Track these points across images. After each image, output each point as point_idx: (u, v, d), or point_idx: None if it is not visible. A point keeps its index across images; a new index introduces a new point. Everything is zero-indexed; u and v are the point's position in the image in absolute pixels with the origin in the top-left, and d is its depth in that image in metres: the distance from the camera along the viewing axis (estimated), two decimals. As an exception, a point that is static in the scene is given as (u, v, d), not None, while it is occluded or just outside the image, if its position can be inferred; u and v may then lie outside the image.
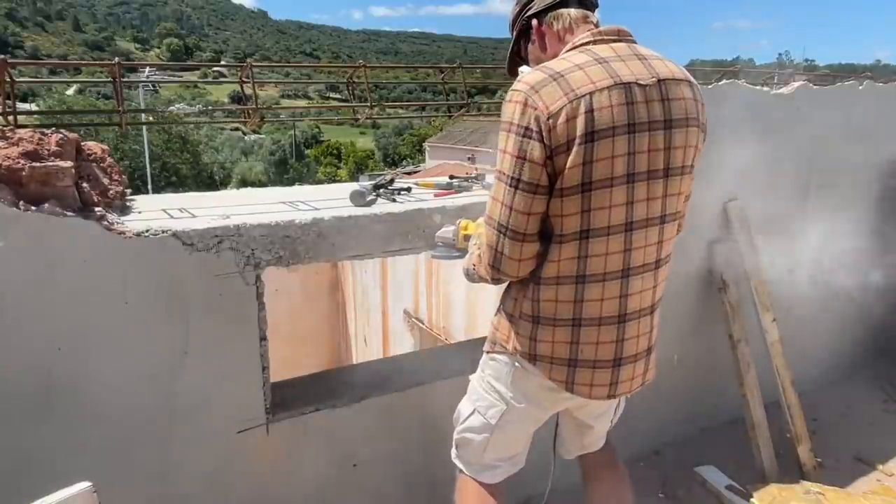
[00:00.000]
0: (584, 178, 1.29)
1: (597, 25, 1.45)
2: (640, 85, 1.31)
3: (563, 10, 1.45)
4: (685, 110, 1.36)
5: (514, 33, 1.57)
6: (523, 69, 1.51)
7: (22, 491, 1.22)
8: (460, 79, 2.52)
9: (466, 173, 2.55)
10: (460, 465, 1.71)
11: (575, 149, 1.26)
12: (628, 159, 1.30)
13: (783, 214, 3.00)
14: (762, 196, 2.83)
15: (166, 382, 1.70)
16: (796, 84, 2.93)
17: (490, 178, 2.43)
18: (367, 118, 2.36)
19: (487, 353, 1.61)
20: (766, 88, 2.96)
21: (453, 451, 1.73)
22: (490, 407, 1.60)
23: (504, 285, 1.54)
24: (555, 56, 1.41)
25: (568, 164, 1.27)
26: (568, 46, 1.41)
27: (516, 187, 1.32)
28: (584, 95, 1.26)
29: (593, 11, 1.48)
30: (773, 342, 2.78)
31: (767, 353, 2.76)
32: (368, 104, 2.26)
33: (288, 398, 1.97)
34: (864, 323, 3.56)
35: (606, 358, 1.42)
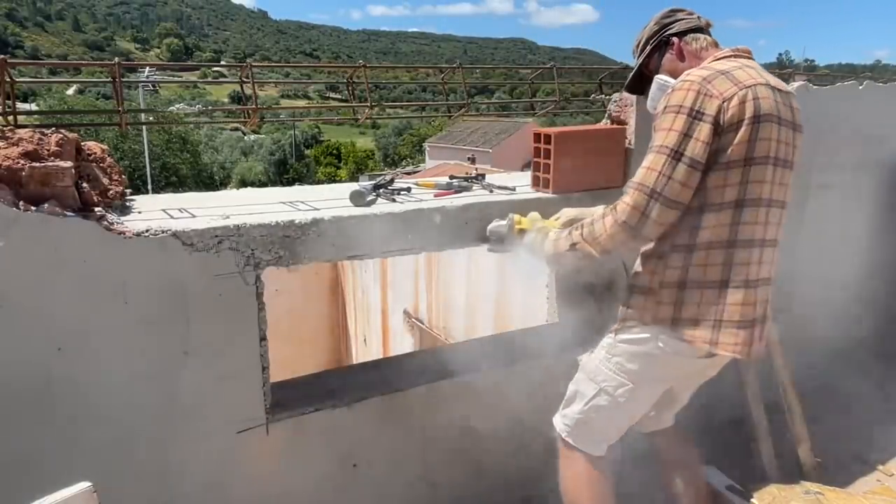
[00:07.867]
0: (748, 154, 1.53)
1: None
2: (778, 89, 1.61)
3: (700, 35, 1.78)
4: (799, 119, 1.67)
5: (648, 49, 1.82)
6: (661, 77, 1.78)
7: (22, 491, 1.22)
8: (460, 79, 2.52)
9: (466, 173, 2.54)
10: (571, 441, 1.80)
11: (744, 127, 1.51)
12: (776, 145, 1.57)
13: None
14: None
15: (166, 382, 1.70)
16: (796, 84, 2.93)
17: (490, 179, 2.44)
18: (367, 118, 2.36)
19: (617, 331, 1.72)
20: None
21: (563, 428, 1.82)
22: (619, 386, 1.72)
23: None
24: (692, 68, 1.66)
25: (735, 141, 1.52)
26: (710, 59, 1.69)
27: (679, 160, 1.52)
28: (749, 86, 1.54)
29: None
30: (773, 342, 2.77)
31: (767, 353, 2.76)
32: (368, 104, 2.26)
33: (288, 398, 1.97)
34: (865, 322, 3.56)
35: (748, 318, 1.60)
